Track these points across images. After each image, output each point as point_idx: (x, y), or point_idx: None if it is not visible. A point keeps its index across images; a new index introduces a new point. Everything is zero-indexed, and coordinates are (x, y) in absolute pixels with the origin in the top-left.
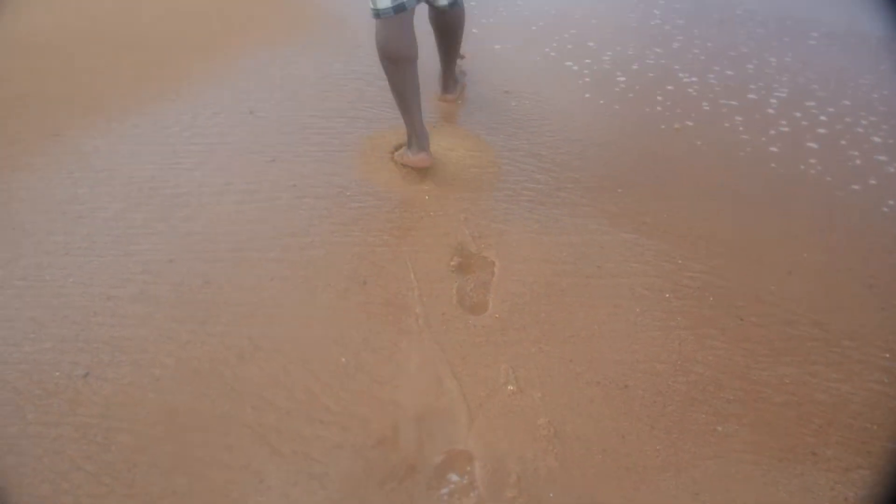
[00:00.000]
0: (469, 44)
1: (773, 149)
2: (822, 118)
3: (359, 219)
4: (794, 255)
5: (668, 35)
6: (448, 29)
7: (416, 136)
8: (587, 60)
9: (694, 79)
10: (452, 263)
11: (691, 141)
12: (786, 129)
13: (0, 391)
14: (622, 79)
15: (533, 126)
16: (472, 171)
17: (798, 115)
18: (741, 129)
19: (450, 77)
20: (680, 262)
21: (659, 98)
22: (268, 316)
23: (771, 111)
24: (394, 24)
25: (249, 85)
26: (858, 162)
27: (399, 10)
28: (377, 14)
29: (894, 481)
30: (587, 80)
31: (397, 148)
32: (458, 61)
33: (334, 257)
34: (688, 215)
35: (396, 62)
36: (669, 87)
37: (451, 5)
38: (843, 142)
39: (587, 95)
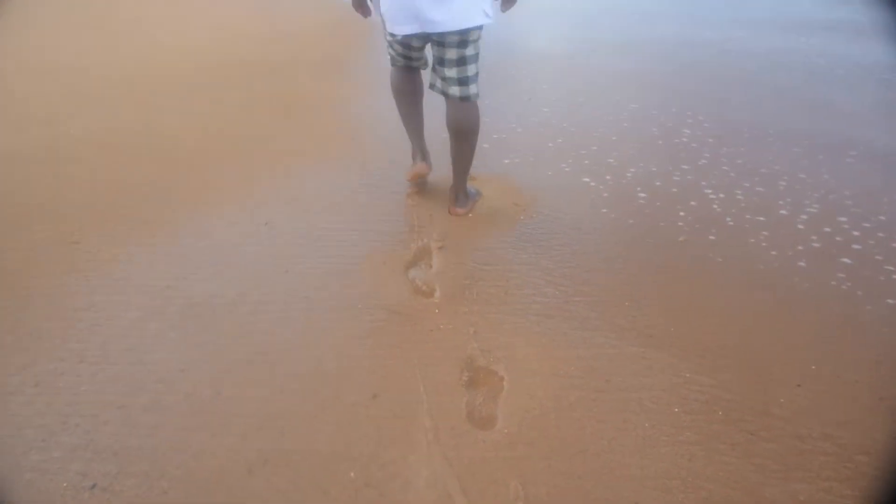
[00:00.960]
0: (479, 157)
1: (801, 263)
2: (856, 233)
3: (370, 332)
4: (804, 367)
5: (696, 152)
6: (460, 128)
7: (420, 152)
8: (607, 177)
9: (720, 195)
10: (462, 378)
11: (707, 255)
12: (816, 244)
13: (6, 501)
14: (642, 195)
15: (542, 239)
16: (481, 284)
17: (829, 230)
18: (765, 244)
19: (461, 190)
20: (688, 375)
21: (681, 213)
22: (278, 428)
23: (801, 226)
24: (402, 70)
25: (265, 197)
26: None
27: (407, 67)
28: (393, 63)
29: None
30: (604, 195)
31: (408, 262)
32: (469, 182)
33: (345, 370)
34: (695, 328)
35: (402, 93)
36: (692, 203)
37: (463, 98)
38: (879, 257)
39: (602, 210)
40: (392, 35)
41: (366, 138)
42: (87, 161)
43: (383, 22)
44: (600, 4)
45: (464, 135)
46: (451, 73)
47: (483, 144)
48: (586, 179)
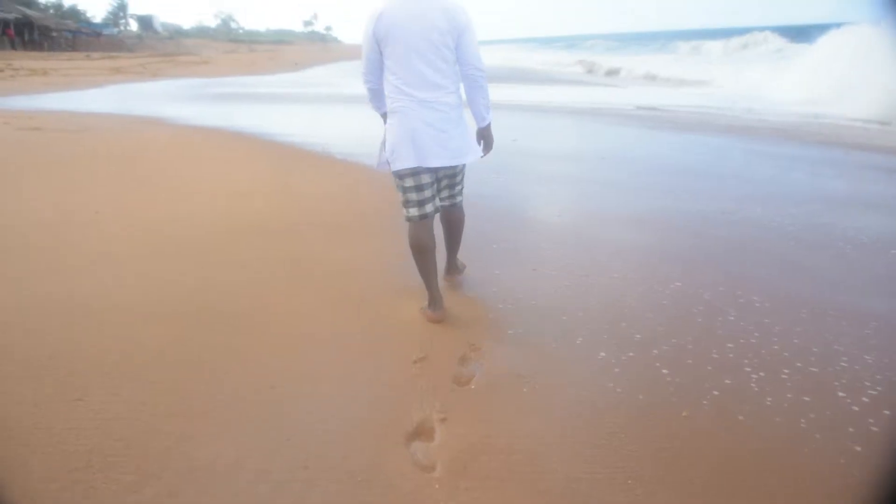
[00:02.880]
0: (482, 327)
1: (858, 448)
2: None
3: None
4: None
5: (743, 331)
6: (451, 224)
7: (434, 300)
8: (629, 353)
9: (761, 373)
10: None
11: (728, 434)
12: (874, 428)
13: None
14: (666, 371)
15: (546, 411)
16: (483, 458)
17: (888, 413)
18: (806, 425)
19: (452, 265)
20: None
21: (714, 393)
22: None
23: (855, 408)
24: (419, 225)
25: (270, 362)
26: None
27: (422, 217)
28: (408, 220)
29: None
30: (616, 370)
31: (409, 433)
32: (459, 265)
33: None
34: None
35: (421, 251)
36: (727, 381)
37: (451, 206)
38: None
39: (609, 384)
40: (400, 170)
41: (372, 306)
42: (96, 317)
43: (388, 163)
44: (608, 177)
45: (453, 227)
46: (443, 192)
47: (487, 315)
48: (603, 354)
